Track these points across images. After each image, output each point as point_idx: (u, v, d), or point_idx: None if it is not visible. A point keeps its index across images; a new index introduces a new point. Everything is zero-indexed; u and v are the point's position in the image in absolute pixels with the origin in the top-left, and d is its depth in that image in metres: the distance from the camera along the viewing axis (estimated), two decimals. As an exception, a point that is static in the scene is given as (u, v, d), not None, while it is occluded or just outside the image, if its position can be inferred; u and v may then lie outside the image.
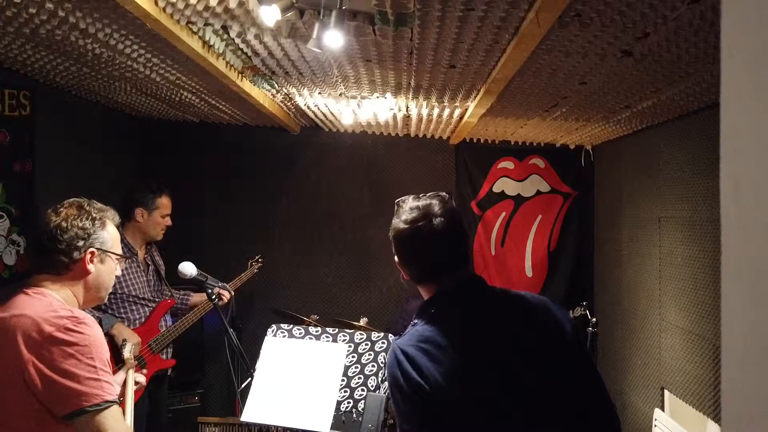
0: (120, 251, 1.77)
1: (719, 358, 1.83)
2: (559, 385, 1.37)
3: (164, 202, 3.22)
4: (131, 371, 1.99)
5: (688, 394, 2.88)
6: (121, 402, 1.88)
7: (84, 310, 1.67)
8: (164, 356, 3.14)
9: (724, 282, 0.47)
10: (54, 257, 1.60)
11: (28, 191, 2.95)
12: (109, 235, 1.70)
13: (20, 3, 1.84)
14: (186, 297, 3.43)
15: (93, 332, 1.50)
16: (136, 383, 2.00)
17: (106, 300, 1.80)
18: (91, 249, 1.64)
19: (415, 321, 1.47)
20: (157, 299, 3.17)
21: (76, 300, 1.64)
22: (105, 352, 1.52)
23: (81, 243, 1.62)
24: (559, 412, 1.35)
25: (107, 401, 1.45)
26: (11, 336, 1.44)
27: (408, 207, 1.50)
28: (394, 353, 1.40)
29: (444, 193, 1.56)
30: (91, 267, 1.64)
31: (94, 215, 1.67)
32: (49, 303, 1.53)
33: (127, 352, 2.18)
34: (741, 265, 0.45)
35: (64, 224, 1.61)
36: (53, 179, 3.13)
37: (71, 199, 1.70)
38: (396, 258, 1.53)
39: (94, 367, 1.45)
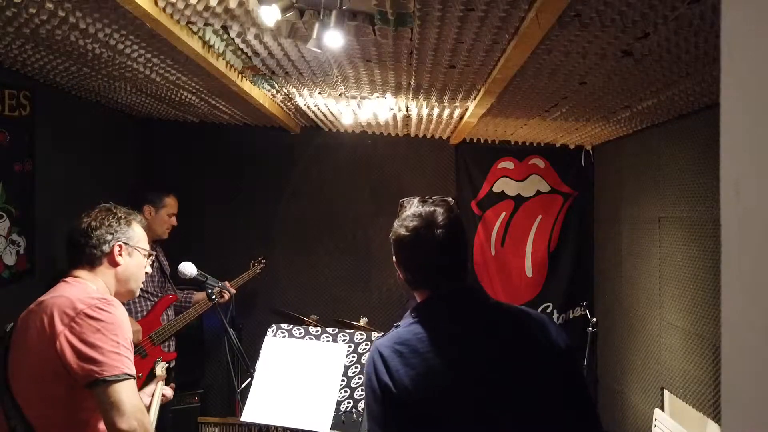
0: (147, 248, 1.99)
1: (719, 358, 1.83)
2: (536, 403, 1.34)
3: (171, 202, 3.44)
4: (160, 383, 2.19)
5: (688, 394, 2.88)
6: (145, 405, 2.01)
7: None
8: (165, 349, 3.24)
9: (724, 282, 0.47)
10: (87, 251, 1.83)
11: (28, 191, 2.95)
12: (135, 232, 1.94)
13: (20, 3, 1.84)
14: (189, 295, 3.54)
15: (120, 314, 1.69)
16: (164, 396, 2.19)
17: (137, 293, 2.00)
18: (119, 243, 1.87)
19: (399, 323, 1.48)
20: (159, 294, 3.29)
21: (109, 290, 1.85)
22: (129, 333, 1.69)
23: (110, 237, 1.86)
24: (531, 426, 1.33)
25: (125, 374, 1.59)
26: (49, 313, 1.65)
27: (411, 213, 1.47)
28: (371, 353, 1.43)
29: (450, 199, 1.54)
30: (120, 259, 1.87)
31: (120, 215, 1.92)
32: (84, 288, 1.76)
33: (160, 369, 2.36)
34: (741, 265, 0.45)
35: (94, 223, 1.85)
36: (53, 179, 3.14)
37: (101, 205, 1.94)
38: (394, 259, 1.53)
39: (117, 343, 1.62)
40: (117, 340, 1.62)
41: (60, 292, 1.73)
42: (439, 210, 1.46)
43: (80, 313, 1.62)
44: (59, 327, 1.61)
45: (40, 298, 1.73)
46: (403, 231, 1.46)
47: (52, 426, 1.63)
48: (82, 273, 1.82)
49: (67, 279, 1.80)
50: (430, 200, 1.50)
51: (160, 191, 3.45)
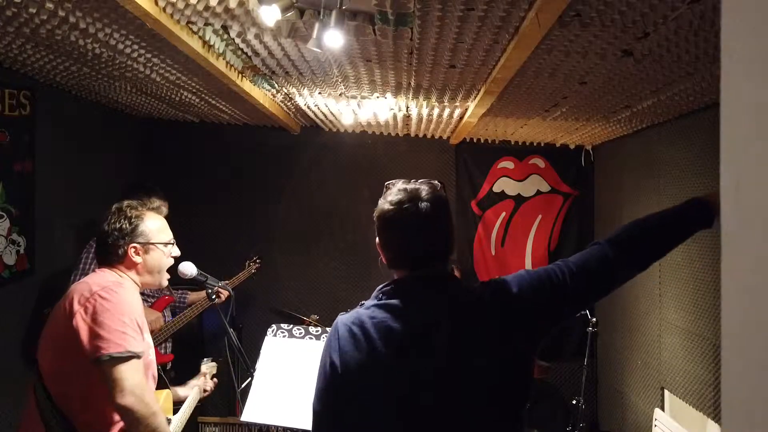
0: (167, 237, 2.03)
1: (719, 358, 1.83)
2: (469, 417, 1.32)
3: None
4: (203, 379, 2.46)
5: (688, 394, 2.88)
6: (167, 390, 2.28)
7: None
8: (162, 351, 3.22)
9: (724, 282, 0.47)
10: (106, 255, 1.95)
11: (28, 191, 2.95)
12: (149, 228, 1.98)
13: (20, 3, 1.84)
14: (184, 295, 3.52)
15: (130, 296, 1.83)
16: (205, 390, 2.47)
17: (165, 282, 2.07)
18: (132, 245, 1.94)
19: (364, 302, 1.45)
20: (156, 295, 3.27)
21: (133, 282, 1.96)
22: (138, 315, 1.81)
23: (122, 242, 1.93)
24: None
25: (129, 351, 1.69)
26: (71, 295, 1.81)
27: (396, 189, 1.45)
28: (332, 326, 1.42)
29: (436, 181, 1.52)
30: (137, 258, 1.95)
31: (130, 215, 1.96)
32: (105, 276, 1.89)
33: (205, 367, 2.57)
34: (741, 265, 0.45)
35: (106, 228, 1.94)
36: (53, 179, 3.13)
37: (117, 204, 2.01)
38: (377, 239, 1.48)
39: (123, 322, 1.73)
40: (123, 319, 1.73)
41: (86, 279, 1.90)
42: (424, 187, 1.44)
43: (94, 295, 1.77)
44: (76, 307, 1.76)
45: (72, 285, 1.91)
46: (387, 206, 1.43)
47: (69, 399, 1.75)
48: (108, 267, 1.96)
49: (96, 270, 1.97)
50: (416, 181, 1.48)
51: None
